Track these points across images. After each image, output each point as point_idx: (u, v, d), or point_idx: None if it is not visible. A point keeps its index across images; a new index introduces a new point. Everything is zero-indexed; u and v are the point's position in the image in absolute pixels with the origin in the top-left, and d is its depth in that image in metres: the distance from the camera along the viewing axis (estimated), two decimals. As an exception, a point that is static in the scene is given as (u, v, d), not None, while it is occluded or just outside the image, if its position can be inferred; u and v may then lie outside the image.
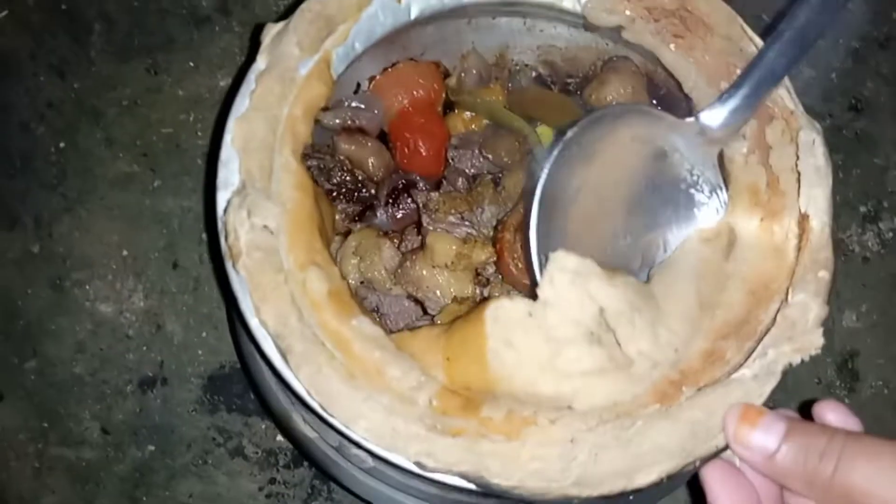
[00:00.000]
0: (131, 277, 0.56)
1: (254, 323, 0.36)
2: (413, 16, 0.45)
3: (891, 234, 0.61)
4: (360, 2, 0.43)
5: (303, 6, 0.42)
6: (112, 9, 0.62)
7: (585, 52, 0.50)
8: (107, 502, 0.53)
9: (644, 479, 0.34)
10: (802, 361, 0.37)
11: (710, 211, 0.42)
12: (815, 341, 0.37)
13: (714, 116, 0.40)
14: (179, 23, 0.62)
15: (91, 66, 0.60)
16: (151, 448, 0.54)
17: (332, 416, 0.35)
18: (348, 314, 0.37)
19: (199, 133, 0.59)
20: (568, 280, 0.37)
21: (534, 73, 0.52)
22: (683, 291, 0.39)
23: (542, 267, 0.38)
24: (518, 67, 0.52)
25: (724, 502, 0.34)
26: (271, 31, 0.41)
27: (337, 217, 0.48)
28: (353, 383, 0.35)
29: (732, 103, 0.40)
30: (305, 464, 0.53)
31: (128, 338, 0.55)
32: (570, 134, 0.38)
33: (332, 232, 0.47)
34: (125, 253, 0.57)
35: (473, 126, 0.51)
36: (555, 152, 0.38)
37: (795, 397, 0.55)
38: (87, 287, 0.56)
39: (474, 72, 0.52)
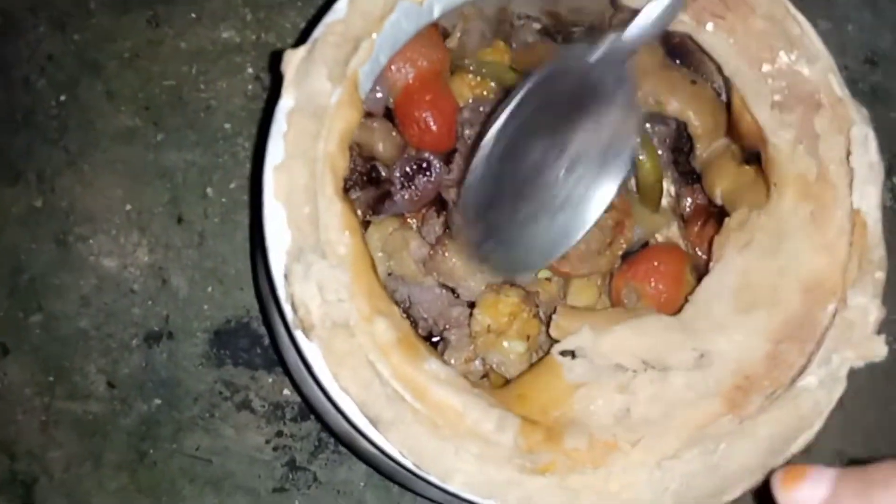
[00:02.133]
0: (135, 232, 0.56)
1: (336, 392, 0.36)
2: (436, 15, 0.43)
3: (905, 189, 0.60)
4: (384, 11, 0.40)
5: (324, 31, 0.39)
6: (112, -40, 0.60)
7: (592, 0, 0.49)
8: (114, 455, 0.53)
9: (730, 496, 0.36)
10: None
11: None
12: (878, 350, 0.37)
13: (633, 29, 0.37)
14: (181, -26, 0.60)
15: (91, 18, 0.59)
16: (158, 402, 0.54)
17: (427, 473, 0.35)
18: (419, 358, 0.37)
19: (202, 86, 0.58)
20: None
21: (537, 26, 0.51)
22: (720, 305, 0.39)
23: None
24: (521, 21, 0.50)
25: None
26: (293, 60, 0.38)
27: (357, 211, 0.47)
28: (439, 434, 0.35)
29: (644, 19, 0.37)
30: (312, 417, 0.53)
31: (132, 292, 0.55)
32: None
33: None
34: (129, 207, 0.56)
35: (481, 90, 0.50)
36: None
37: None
38: (91, 242, 0.56)
39: (476, 31, 0.50)
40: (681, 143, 0.49)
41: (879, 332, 0.37)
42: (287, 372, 0.52)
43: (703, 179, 0.45)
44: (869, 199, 0.38)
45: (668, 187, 0.49)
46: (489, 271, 0.44)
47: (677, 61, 0.47)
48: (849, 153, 0.39)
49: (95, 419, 0.53)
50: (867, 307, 0.37)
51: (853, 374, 0.37)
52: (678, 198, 0.49)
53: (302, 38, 0.40)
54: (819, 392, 0.36)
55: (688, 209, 0.49)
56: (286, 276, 0.35)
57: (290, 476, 0.53)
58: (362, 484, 0.53)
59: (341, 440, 0.48)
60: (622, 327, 0.37)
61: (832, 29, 0.61)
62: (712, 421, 0.35)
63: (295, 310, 0.35)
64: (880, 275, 0.37)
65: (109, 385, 0.54)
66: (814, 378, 0.36)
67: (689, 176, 0.49)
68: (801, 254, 0.38)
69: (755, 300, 0.38)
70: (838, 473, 0.32)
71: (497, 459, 0.35)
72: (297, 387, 0.50)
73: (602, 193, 0.37)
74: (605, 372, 0.37)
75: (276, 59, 0.39)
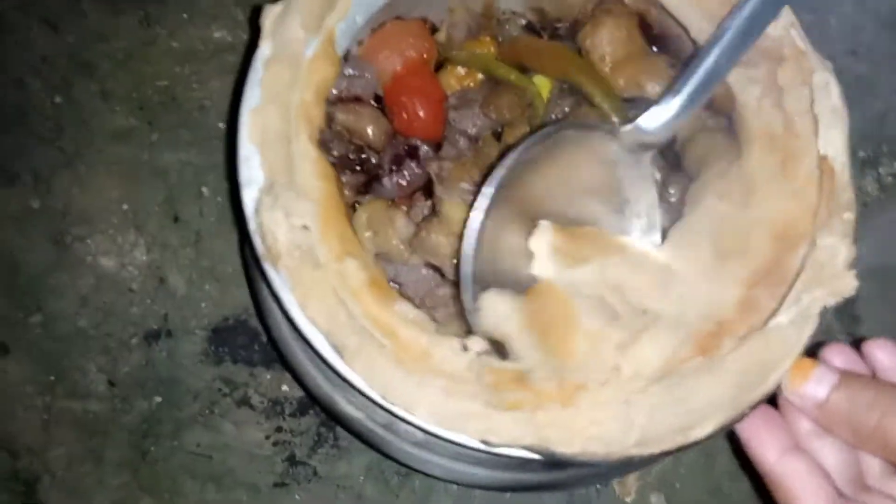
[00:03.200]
0: (132, 231, 0.56)
1: (302, 321, 0.36)
2: None
3: (890, 179, 0.61)
4: None
5: None
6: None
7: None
8: (115, 453, 0.53)
9: (700, 432, 0.36)
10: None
11: (639, 228, 0.42)
12: (849, 283, 0.37)
13: (654, 119, 0.40)
14: (172, -26, 0.61)
15: (84, 18, 0.59)
16: (158, 399, 0.54)
17: (392, 404, 0.35)
18: (389, 300, 0.37)
19: (195, 85, 0.59)
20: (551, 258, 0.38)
21: (523, 21, 0.51)
22: (699, 250, 0.40)
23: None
24: (506, 16, 0.51)
25: (767, 445, 0.36)
26: (272, 13, 0.40)
27: (346, 192, 0.47)
28: (406, 368, 0.36)
29: (676, 106, 0.40)
30: (311, 412, 0.54)
31: (131, 291, 0.56)
32: (507, 162, 0.39)
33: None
34: (125, 207, 0.57)
35: (468, 82, 0.51)
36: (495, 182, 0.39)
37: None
38: (89, 241, 0.56)
39: (463, 25, 0.51)
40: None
41: (850, 268, 0.38)
42: (285, 365, 0.52)
43: (683, 159, 0.45)
44: (834, 143, 0.39)
45: (654, 172, 0.50)
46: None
47: (655, 48, 0.48)
48: (812, 102, 0.39)
49: (96, 417, 0.54)
50: (837, 247, 0.37)
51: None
52: (664, 185, 0.50)
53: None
54: (789, 330, 0.36)
55: (672, 198, 0.50)
56: (255, 208, 0.37)
57: (290, 471, 0.53)
58: (362, 478, 0.54)
59: (318, 403, 0.48)
60: (614, 260, 0.38)
61: (815, 21, 0.61)
62: (683, 360, 0.36)
63: (262, 239, 0.36)
64: (849, 215, 0.38)
65: (110, 383, 0.54)
66: (784, 317, 0.36)
67: (675, 161, 0.50)
68: (771, 203, 0.39)
69: (729, 249, 0.38)
70: (838, 380, 0.35)
71: (463, 394, 0.35)
72: (293, 374, 0.51)
73: None
74: (586, 308, 0.37)
75: (255, 15, 0.40)
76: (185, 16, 0.60)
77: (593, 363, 0.36)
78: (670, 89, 0.40)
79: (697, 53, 0.40)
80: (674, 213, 0.47)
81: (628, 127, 0.41)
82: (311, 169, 0.38)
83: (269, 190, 0.37)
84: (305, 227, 0.37)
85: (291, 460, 0.54)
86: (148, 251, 0.56)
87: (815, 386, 0.36)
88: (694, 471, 0.55)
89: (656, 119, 0.40)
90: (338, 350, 0.36)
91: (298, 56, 0.39)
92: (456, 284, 0.46)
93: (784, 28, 0.42)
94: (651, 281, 0.39)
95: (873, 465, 0.38)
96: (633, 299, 0.39)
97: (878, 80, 0.63)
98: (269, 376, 0.55)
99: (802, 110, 0.40)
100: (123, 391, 0.54)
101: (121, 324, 0.55)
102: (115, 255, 0.56)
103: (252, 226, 0.37)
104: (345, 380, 0.36)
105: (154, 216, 0.57)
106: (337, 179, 0.40)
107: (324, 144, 0.46)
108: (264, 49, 0.39)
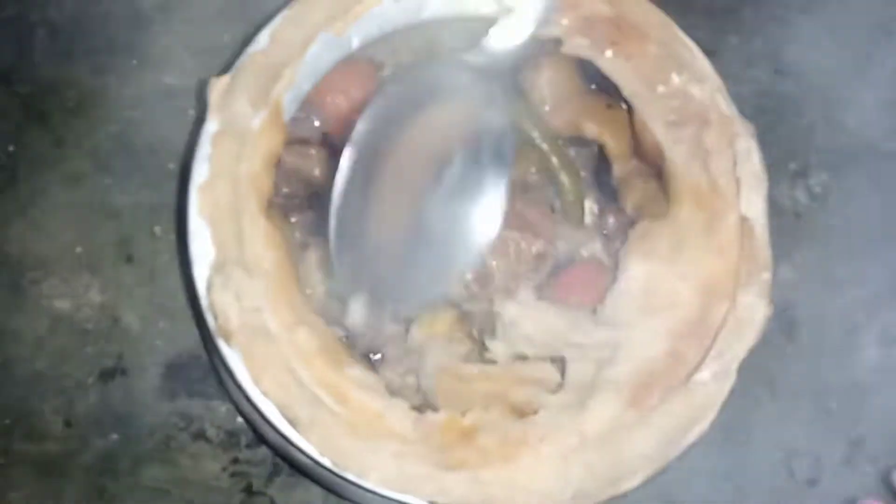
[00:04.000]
0: (86, 273, 0.58)
1: (257, 395, 0.38)
2: (355, 46, 0.46)
3: (819, 189, 0.64)
4: (303, 43, 0.43)
5: (246, 60, 0.43)
6: (55, 14, 0.63)
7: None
8: (74, 492, 0.54)
9: (628, 484, 0.39)
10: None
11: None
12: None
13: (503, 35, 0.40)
14: (121, 24, 0.63)
15: (36, 70, 0.61)
16: (115, 437, 0.55)
17: (344, 471, 0.38)
18: (342, 365, 0.39)
19: (146, 130, 0.61)
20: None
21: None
22: (632, 305, 0.42)
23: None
24: (450, 55, 0.53)
25: None
26: (217, 87, 0.42)
27: (296, 233, 0.48)
28: (358, 435, 0.38)
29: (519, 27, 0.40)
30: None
31: (86, 332, 0.57)
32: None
33: (291, 248, 0.48)
34: (79, 250, 0.58)
35: None
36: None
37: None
38: (43, 285, 0.57)
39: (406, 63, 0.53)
40: (602, 164, 0.52)
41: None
42: (238, 410, 0.53)
43: (620, 196, 0.48)
44: (755, 206, 0.41)
45: (592, 206, 0.52)
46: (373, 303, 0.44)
47: (593, 86, 0.50)
48: (735, 165, 0.42)
49: (54, 458, 0.54)
50: (755, 305, 0.40)
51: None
52: (602, 215, 0.52)
53: (228, 69, 0.43)
54: (711, 385, 0.39)
55: (610, 226, 0.52)
56: (207, 287, 0.38)
57: (248, 501, 0.54)
58: (319, 503, 0.54)
59: (277, 452, 0.49)
60: (549, 308, 0.40)
61: (741, 43, 0.65)
62: (617, 416, 0.38)
63: (215, 317, 0.37)
64: (766, 275, 0.40)
65: (66, 424, 0.55)
66: (707, 373, 0.39)
67: (612, 195, 0.52)
68: (698, 259, 0.41)
69: (658, 303, 0.40)
70: None
71: (413, 457, 0.37)
72: (237, 408, 0.52)
73: (491, 199, 0.38)
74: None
75: (202, 87, 0.42)
76: (134, 62, 0.62)
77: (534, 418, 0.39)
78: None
79: None
80: (609, 243, 0.49)
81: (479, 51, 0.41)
82: (261, 239, 0.40)
83: (221, 269, 0.38)
84: (256, 308, 0.38)
85: (248, 490, 0.54)
86: (102, 292, 0.57)
87: None
88: (645, 482, 0.56)
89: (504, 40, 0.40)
90: (292, 423, 0.38)
91: (246, 129, 0.41)
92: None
93: (710, 92, 0.45)
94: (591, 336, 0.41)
95: None
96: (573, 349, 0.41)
97: (803, 96, 0.65)
98: (224, 409, 0.55)
99: (726, 172, 0.43)
100: (80, 431, 0.55)
101: (76, 364, 0.56)
102: (69, 297, 0.57)
103: (204, 304, 0.39)
104: (299, 449, 0.38)
105: (107, 257, 0.58)
106: (286, 247, 0.41)
107: (274, 188, 0.48)
108: (211, 124, 0.41)
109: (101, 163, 0.60)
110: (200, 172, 0.40)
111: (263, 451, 0.55)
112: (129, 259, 0.58)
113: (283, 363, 0.38)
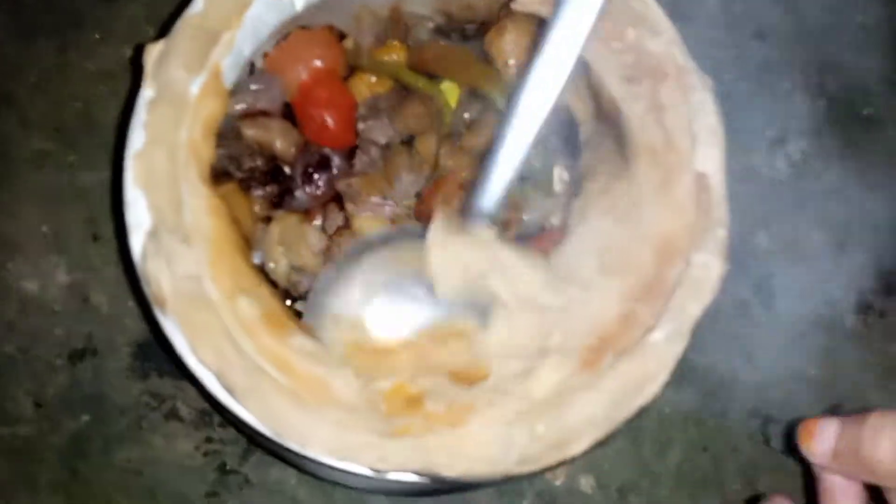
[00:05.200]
0: (53, 253, 0.57)
1: (193, 362, 0.37)
2: (299, 7, 0.44)
3: (799, 156, 0.63)
4: (241, 6, 0.42)
5: (180, 23, 0.41)
6: (15, -10, 0.62)
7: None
8: (47, 474, 0.53)
9: (576, 449, 0.37)
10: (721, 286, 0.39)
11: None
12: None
13: (480, 211, 0.41)
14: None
15: (-2, 48, 0.60)
16: (86, 418, 0.54)
17: (286, 440, 0.36)
18: (285, 334, 0.38)
19: (112, 105, 0.59)
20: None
21: (431, 25, 0.52)
22: (585, 265, 0.41)
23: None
24: (414, 20, 0.51)
25: None
26: (152, 52, 0.40)
27: (256, 207, 0.48)
28: (300, 404, 0.36)
29: (486, 203, 0.41)
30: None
31: (55, 313, 0.56)
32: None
33: (252, 222, 0.47)
34: (45, 230, 0.57)
35: (379, 89, 0.51)
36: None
37: (715, 320, 0.57)
38: (10, 266, 0.56)
39: (370, 31, 0.51)
40: (573, 130, 0.51)
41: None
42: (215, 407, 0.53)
43: (583, 159, 0.47)
44: (711, 161, 0.40)
45: (562, 173, 0.51)
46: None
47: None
48: (691, 120, 0.41)
49: (26, 441, 0.54)
50: (710, 263, 0.39)
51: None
52: (571, 183, 0.51)
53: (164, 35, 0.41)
54: (664, 346, 0.37)
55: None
56: (141, 256, 0.37)
57: (222, 480, 0.54)
58: (294, 481, 0.54)
59: (237, 428, 0.49)
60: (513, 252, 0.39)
61: (720, 7, 0.64)
62: (566, 380, 0.37)
63: (149, 285, 0.36)
64: (722, 232, 0.39)
65: (37, 405, 0.55)
66: (661, 333, 0.38)
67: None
68: (654, 218, 0.40)
69: (613, 263, 0.39)
70: (837, 427, 0.36)
71: (356, 425, 0.36)
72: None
73: None
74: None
75: (137, 54, 0.40)
76: (97, 37, 0.61)
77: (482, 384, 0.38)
78: (475, 190, 0.42)
79: (492, 150, 0.41)
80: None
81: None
82: (201, 206, 0.38)
83: (154, 236, 0.37)
84: (190, 275, 0.37)
85: (223, 469, 0.54)
86: (70, 272, 0.57)
87: (823, 440, 0.38)
88: (622, 453, 0.56)
89: (481, 210, 0.41)
90: (229, 390, 0.37)
91: (183, 94, 0.39)
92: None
93: (666, 44, 0.43)
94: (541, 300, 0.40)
95: None
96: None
97: (783, 60, 0.64)
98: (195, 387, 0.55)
99: (682, 128, 0.41)
100: (51, 412, 0.54)
101: (46, 346, 0.55)
102: (37, 278, 0.56)
103: (139, 272, 0.38)
104: (238, 418, 0.37)
105: (75, 237, 0.57)
106: (230, 214, 0.40)
107: (231, 160, 0.47)
108: (147, 91, 0.39)
109: (66, 141, 0.59)
110: (136, 140, 0.38)
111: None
112: (96, 238, 0.57)
113: (222, 332, 0.36)
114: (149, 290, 0.37)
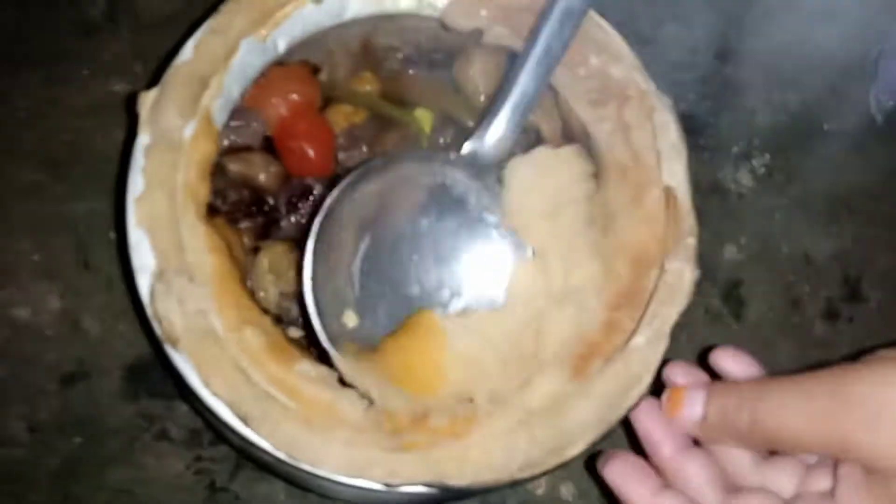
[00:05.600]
0: (44, 280, 0.58)
1: (208, 397, 0.40)
2: (281, 50, 0.47)
3: (763, 170, 0.65)
4: (228, 51, 0.44)
5: (171, 71, 0.43)
6: (4, 25, 0.63)
7: (448, 34, 0.53)
8: (39, 497, 0.55)
9: (573, 451, 0.40)
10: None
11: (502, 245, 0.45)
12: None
13: (481, 145, 0.44)
14: (71, 33, 0.64)
15: (-14, 82, 0.62)
16: (78, 440, 0.56)
17: (299, 462, 0.39)
18: (290, 361, 0.40)
19: (99, 138, 0.61)
20: None
21: (401, 55, 0.54)
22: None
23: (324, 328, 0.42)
24: (385, 52, 0.54)
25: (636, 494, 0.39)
26: (146, 101, 0.43)
27: (244, 239, 0.50)
28: (310, 427, 0.39)
29: (495, 131, 0.44)
30: (227, 438, 0.56)
31: (46, 338, 0.57)
32: (335, 193, 0.42)
33: (243, 253, 0.49)
34: (36, 258, 0.59)
35: (355, 118, 0.53)
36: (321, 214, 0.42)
37: (687, 329, 0.59)
38: (1, 294, 0.58)
39: (343, 64, 0.53)
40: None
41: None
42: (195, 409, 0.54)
43: None
44: (676, 175, 0.43)
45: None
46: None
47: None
48: (655, 138, 0.43)
49: (19, 464, 0.55)
50: (682, 270, 0.41)
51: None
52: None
53: (156, 82, 0.44)
54: (647, 349, 0.40)
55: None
56: (150, 296, 0.39)
57: (212, 497, 0.55)
58: (282, 496, 0.56)
59: (235, 448, 0.51)
60: None
61: (681, 30, 0.67)
62: (560, 387, 0.39)
63: (159, 324, 0.38)
64: (691, 240, 0.42)
65: (30, 430, 0.56)
66: (642, 338, 0.40)
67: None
68: (627, 230, 0.42)
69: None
70: (706, 396, 0.38)
71: (364, 443, 0.38)
72: (195, 410, 0.53)
73: None
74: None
75: (131, 102, 0.43)
76: (86, 72, 0.63)
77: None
78: (486, 116, 0.44)
79: (506, 79, 0.43)
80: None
81: (463, 152, 0.44)
82: (201, 245, 0.41)
83: (162, 276, 0.40)
84: (200, 311, 0.39)
85: (212, 487, 0.55)
86: (61, 298, 0.58)
87: (690, 408, 0.39)
88: (601, 460, 0.57)
89: (484, 142, 0.44)
90: (243, 420, 0.39)
91: (178, 139, 0.42)
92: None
93: (628, 69, 0.46)
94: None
95: (743, 459, 0.40)
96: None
97: (744, 79, 0.67)
98: (185, 408, 0.56)
99: (647, 146, 0.44)
100: (44, 436, 0.56)
101: (38, 371, 0.57)
102: (28, 305, 0.58)
103: (149, 312, 0.40)
104: (253, 444, 0.40)
105: (65, 264, 0.59)
106: (228, 249, 0.43)
107: (218, 194, 0.49)
108: (143, 138, 0.42)
109: (55, 172, 0.61)
110: (136, 184, 0.40)
111: (226, 448, 0.56)
112: (87, 265, 0.59)
113: (231, 363, 0.39)
114: (160, 330, 0.39)
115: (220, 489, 0.55)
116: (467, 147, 0.44)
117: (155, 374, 0.57)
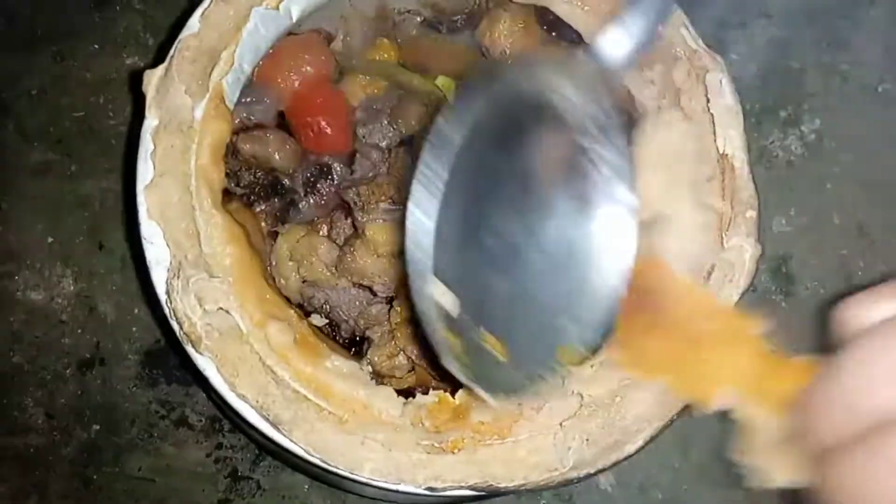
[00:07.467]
0: (59, 263, 0.57)
1: (233, 400, 0.36)
2: (295, 18, 0.43)
3: (813, 136, 0.61)
4: (238, 21, 0.40)
5: (179, 46, 0.39)
6: (12, 2, 0.61)
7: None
8: (58, 485, 0.53)
9: (632, 447, 0.37)
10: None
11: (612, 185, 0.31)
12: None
13: (612, 44, 0.33)
14: (80, 8, 0.61)
15: (-4, 60, 0.60)
16: (97, 427, 0.54)
17: (336, 467, 0.36)
18: (320, 357, 0.37)
19: (111, 114, 0.59)
20: None
21: (419, 19, 0.51)
22: None
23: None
24: (401, 15, 0.50)
25: None
26: (152, 79, 0.39)
27: (262, 223, 0.46)
28: (345, 428, 0.36)
29: (632, 26, 0.32)
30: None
31: (62, 322, 0.56)
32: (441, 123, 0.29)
33: (261, 239, 0.46)
34: (50, 240, 0.57)
35: (373, 90, 0.50)
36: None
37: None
38: (17, 278, 0.56)
39: (358, 32, 0.50)
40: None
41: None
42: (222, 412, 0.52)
43: None
44: (733, 141, 0.39)
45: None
46: (489, 393, 0.32)
47: (554, 34, 0.48)
48: (708, 100, 0.39)
49: (37, 451, 0.54)
50: (742, 246, 0.38)
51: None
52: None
53: (162, 58, 0.40)
54: None
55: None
56: (167, 293, 0.36)
57: (234, 486, 0.53)
58: (307, 486, 0.53)
59: (262, 447, 0.48)
60: None
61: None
62: (614, 381, 0.36)
63: (179, 324, 0.36)
64: (752, 213, 0.38)
65: (48, 416, 0.54)
66: None
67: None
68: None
69: None
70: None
71: (404, 444, 0.35)
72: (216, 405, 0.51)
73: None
74: None
75: (136, 81, 0.39)
76: (95, 47, 0.60)
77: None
78: (623, 14, 0.34)
79: None
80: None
81: (582, 55, 0.32)
82: (218, 235, 0.37)
83: (179, 271, 0.36)
84: (222, 309, 0.36)
85: (234, 475, 0.53)
86: (76, 281, 0.56)
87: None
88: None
89: (616, 42, 0.32)
90: (273, 424, 0.36)
91: (188, 120, 0.38)
92: (389, 301, 0.45)
93: (674, 27, 0.42)
94: None
95: None
96: None
97: (792, 40, 0.62)
98: (204, 394, 0.54)
99: (700, 109, 0.40)
100: (62, 422, 0.54)
101: (54, 356, 0.55)
102: (43, 289, 0.56)
103: (167, 310, 0.37)
104: (284, 449, 0.37)
105: (79, 246, 0.57)
106: (246, 237, 0.39)
107: (230, 176, 0.45)
108: (150, 120, 0.38)
109: (67, 150, 0.59)
110: (145, 172, 0.37)
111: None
112: (101, 247, 0.57)
113: (258, 363, 0.36)
114: (180, 330, 0.36)
115: (243, 478, 0.53)
116: (599, 42, 0.32)
117: (172, 359, 0.55)
